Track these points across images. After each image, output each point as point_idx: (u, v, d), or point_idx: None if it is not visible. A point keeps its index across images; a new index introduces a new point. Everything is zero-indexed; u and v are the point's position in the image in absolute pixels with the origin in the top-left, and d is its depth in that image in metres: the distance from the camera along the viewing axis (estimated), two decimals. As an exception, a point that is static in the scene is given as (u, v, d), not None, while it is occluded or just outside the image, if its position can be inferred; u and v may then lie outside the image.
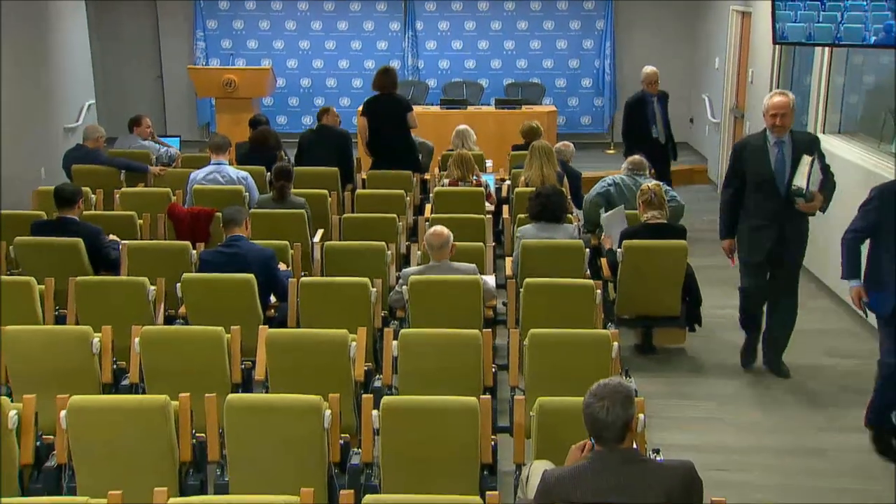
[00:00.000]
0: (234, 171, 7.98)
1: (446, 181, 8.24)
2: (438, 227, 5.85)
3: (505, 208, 8.34)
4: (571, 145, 9.23)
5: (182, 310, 5.80)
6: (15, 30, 9.86)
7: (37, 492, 4.07)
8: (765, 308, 6.41)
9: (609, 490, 3.20)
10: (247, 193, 7.81)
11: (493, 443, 4.25)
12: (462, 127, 9.13)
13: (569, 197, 8.07)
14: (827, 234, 7.92)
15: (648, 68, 9.70)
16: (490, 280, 6.09)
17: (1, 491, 3.92)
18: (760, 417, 5.85)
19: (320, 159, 8.76)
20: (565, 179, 8.32)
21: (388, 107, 8.96)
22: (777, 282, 6.29)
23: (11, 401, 4.13)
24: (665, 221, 6.58)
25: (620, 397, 3.27)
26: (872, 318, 6.94)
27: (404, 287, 5.65)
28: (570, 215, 7.25)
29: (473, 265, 5.84)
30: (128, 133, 9.73)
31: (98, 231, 6.59)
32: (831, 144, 8.09)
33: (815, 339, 7.02)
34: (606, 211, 7.48)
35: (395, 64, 14.03)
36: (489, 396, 4.34)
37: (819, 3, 6.79)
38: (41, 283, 5.71)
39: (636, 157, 7.86)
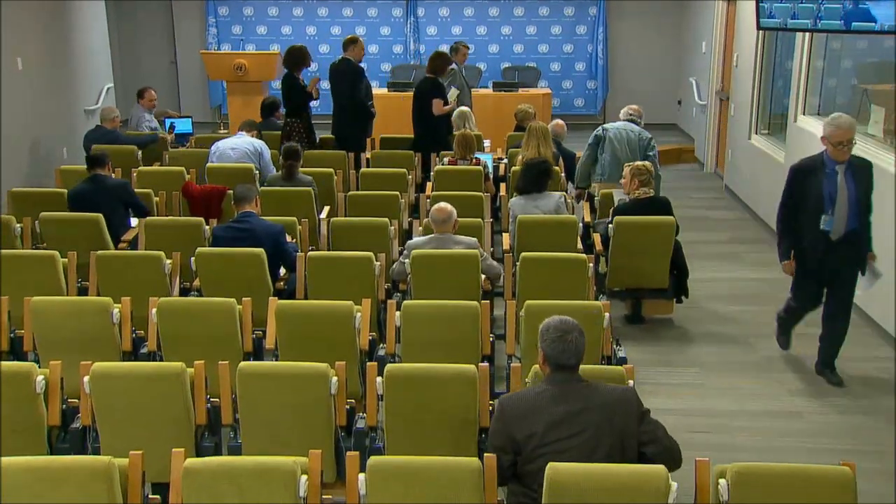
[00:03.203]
0: (249, 141, 8.24)
1: (446, 160, 8.23)
2: (443, 203, 5.84)
3: (502, 186, 8.34)
4: (564, 125, 9.19)
5: (196, 282, 5.82)
6: (39, 17, 9.82)
7: (63, 451, 4.10)
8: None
9: (564, 413, 3.39)
10: (257, 171, 7.85)
11: (490, 408, 4.27)
12: (463, 108, 9.12)
13: (563, 175, 8.09)
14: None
15: (839, 118, 5.45)
16: (497, 264, 6.06)
17: (31, 449, 3.96)
18: (741, 383, 5.88)
19: (339, 91, 9.21)
20: (560, 160, 8.31)
21: (419, 90, 9.25)
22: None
23: (39, 367, 4.14)
24: (652, 195, 6.58)
25: (579, 330, 3.53)
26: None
27: (406, 261, 5.66)
28: (564, 193, 7.27)
29: (475, 239, 5.85)
30: (135, 102, 10.11)
31: (127, 183, 7.24)
32: (810, 125, 8.08)
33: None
34: (600, 151, 7.57)
35: (397, 48, 14.01)
36: (487, 364, 4.37)
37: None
38: (64, 257, 5.73)
39: (636, 106, 7.81)
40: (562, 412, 3.39)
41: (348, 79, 9.13)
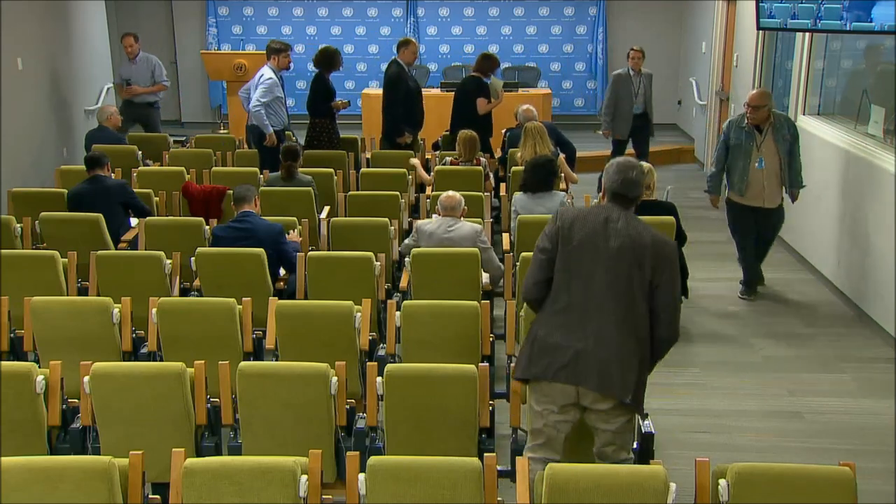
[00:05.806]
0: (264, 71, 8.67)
1: (448, 160, 8.24)
2: (452, 192, 6.00)
3: (502, 186, 8.33)
4: (533, 108, 9.05)
5: (196, 282, 5.82)
6: (39, 18, 9.82)
7: (63, 451, 4.10)
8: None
9: (607, 222, 3.70)
10: (260, 176, 7.85)
11: (490, 408, 4.27)
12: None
13: (566, 167, 8.04)
14: (804, 211, 7.94)
15: None
16: (498, 262, 6.06)
17: (31, 449, 3.96)
18: (741, 383, 5.88)
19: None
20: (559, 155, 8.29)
21: (464, 87, 9.40)
22: None
23: (39, 367, 4.15)
24: (654, 199, 6.57)
25: (640, 169, 3.82)
26: (852, 293, 7.00)
27: (407, 261, 5.68)
28: (566, 192, 7.26)
29: (480, 226, 5.95)
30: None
31: (125, 183, 7.25)
32: (811, 126, 8.08)
33: (795, 309, 7.06)
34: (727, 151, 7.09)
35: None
36: (487, 364, 4.36)
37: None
38: (64, 257, 5.73)
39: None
40: (604, 222, 3.70)
41: (384, 84, 9.26)
